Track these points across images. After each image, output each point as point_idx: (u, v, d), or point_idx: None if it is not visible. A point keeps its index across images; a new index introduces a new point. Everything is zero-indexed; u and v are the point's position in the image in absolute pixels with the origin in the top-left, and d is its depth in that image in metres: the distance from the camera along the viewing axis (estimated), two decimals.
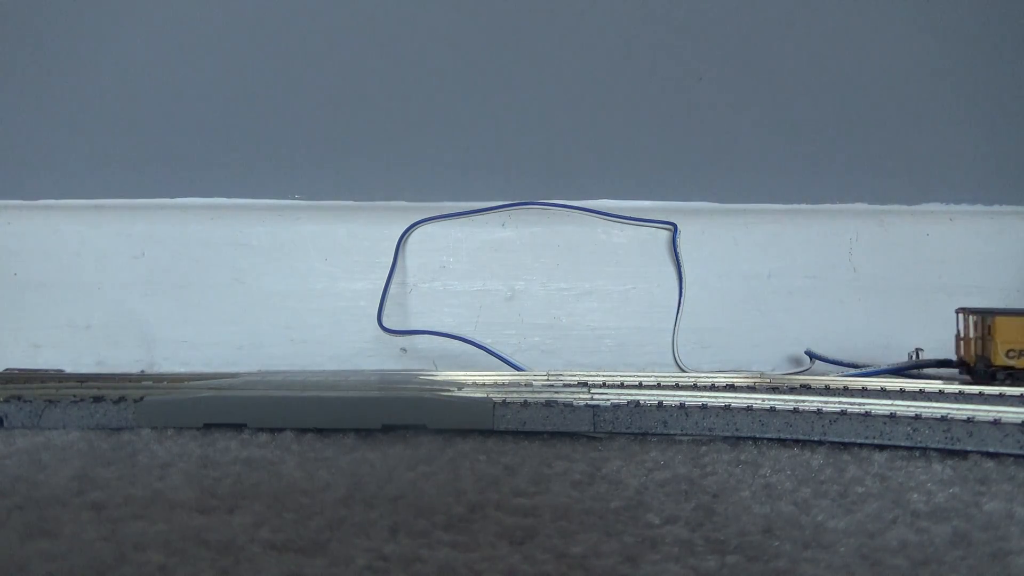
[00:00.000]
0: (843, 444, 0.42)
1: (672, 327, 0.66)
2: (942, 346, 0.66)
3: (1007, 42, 0.67)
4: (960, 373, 0.55)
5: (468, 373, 0.53)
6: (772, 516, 0.32)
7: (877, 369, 0.58)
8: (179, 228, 0.66)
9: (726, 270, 0.67)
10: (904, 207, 0.69)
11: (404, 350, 0.66)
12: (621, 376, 0.51)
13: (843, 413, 0.42)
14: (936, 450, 0.41)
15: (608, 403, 0.44)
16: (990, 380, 0.50)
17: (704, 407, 0.44)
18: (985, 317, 0.51)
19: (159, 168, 0.67)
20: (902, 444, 0.41)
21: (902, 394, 0.49)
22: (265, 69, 0.66)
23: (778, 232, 0.67)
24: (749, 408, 0.43)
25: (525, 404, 0.44)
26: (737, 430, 0.43)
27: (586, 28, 0.66)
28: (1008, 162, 0.69)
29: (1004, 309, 0.51)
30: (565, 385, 0.50)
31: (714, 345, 0.67)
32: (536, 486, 0.35)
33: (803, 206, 0.69)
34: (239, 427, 0.44)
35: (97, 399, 0.45)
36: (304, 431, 0.44)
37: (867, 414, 0.42)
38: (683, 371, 0.64)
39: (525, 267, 0.66)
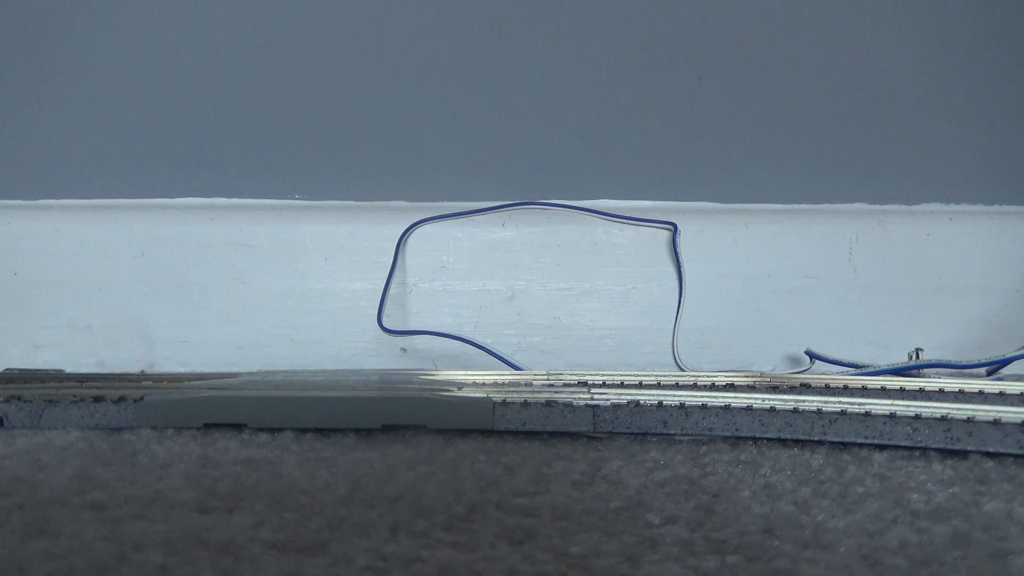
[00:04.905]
0: (843, 444, 0.42)
1: (672, 327, 0.66)
2: (942, 346, 0.67)
3: (1007, 42, 0.67)
4: None
5: (468, 373, 0.53)
6: (772, 516, 0.32)
7: (877, 369, 0.58)
8: (179, 228, 0.66)
9: (726, 270, 0.67)
10: (904, 207, 0.69)
11: (404, 350, 0.66)
12: (621, 376, 0.51)
13: (843, 413, 0.42)
14: (936, 450, 0.41)
15: (608, 403, 0.44)
16: None
17: (704, 407, 0.44)
18: None
19: (159, 168, 0.67)
20: (902, 444, 0.41)
21: (902, 393, 0.49)
22: (265, 69, 0.66)
23: (778, 232, 0.67)
24: (749, 408, 0.43)
25: (525, 404, 0.44)
26: (737, 430, 0.43)
27: (586, 28, 0.66)
28: (1008, 162, 0.69)
29: None
30: (565, 385, 0.50)
31: (714, 345, 0.67)
32: (536, 486, 0.35)
33: (803, 206, 0.69)
34: (239, 427, 0.44)
35: (97, 399, 0.45)
36: (304, 431, 0.44)
37: (867, 414, 0.42)
38: (683, 371, 0.64)
39: (525, 267, 0.66)
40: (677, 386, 0.49)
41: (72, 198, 0.67)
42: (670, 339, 0.66)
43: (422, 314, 0.66)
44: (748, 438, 0.43)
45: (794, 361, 0.66)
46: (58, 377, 0.53)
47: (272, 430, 0.44)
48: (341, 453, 0.40)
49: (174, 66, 0.66)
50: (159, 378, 0.52)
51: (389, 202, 0.68)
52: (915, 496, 0.34)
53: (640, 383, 0.50)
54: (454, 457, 0.40)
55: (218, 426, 0.44)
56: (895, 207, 0.69)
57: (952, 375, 0.56)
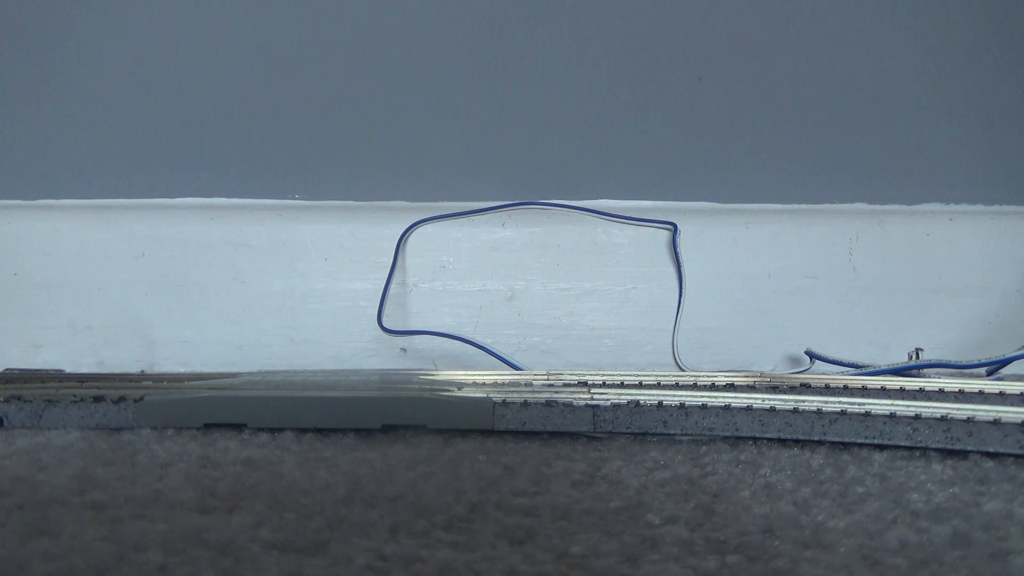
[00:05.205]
0: (843, 444, 0.42)
1: (672, 327, 0.66)
2: (942, 346, 0.67)
3: (1007, 42, 0.67)
4: None
5: (468, 373, 0.53)
6: (772, 516, 0.32)
7: (877, 369, 0.58)
8: (179, 228, 0.66)
9: (726, 270, 0.67)
10: (904, 207, 0.69)
11: (404, 350, 0.66)
12: (621, 376, 0.51)
13: (843, 413, 0.42)
14: (936, 450, 0.41)
15: (608, 403, 0.44)
16: None
17: (704, 407, 0.44)
18: None
19: (159, 168, 0.67)
20: (902, 444, 0.41)
21: (902, 393, 0.49)
22: (265, 69, 0.66)
23: (778, 232, 0.67)
24: (749, 408, 0.43)
25: (525, 404, 0.44)
26: (737, 430, 0.43)
27: (586, 27, 0.66)
28: (1008, 162, 0.69)
29: None
30: (565, 385, 0.50)
31: (714, 345, 0.67)
32: (536, 486, 0.35)
33: (803, 206, 0.69)
34: (239, 427, 0.44)
35: (97, 399, 0.45)
36: (304, 431, 0.44)
37: (867, 414, 0.42)
38: (683, 371, 0.64)
39: (525, 267, 0.66)
40: (677, 386, 0.49)
41: (72, 198, 0.67)
42: (670, 339, 0.66)
43: (422, 314, 0.66)
44: (748, 438, 0.43)
45: (794, 361, 0.66)
46: (58, 377, 0.53)
47: (272, 430, 0.44)
48: (341, 453, 0.40)
49: (174, 66, 0.66)
50: (159, 378, 0.52)
51: (389, 202, 0.68)
52: (915, 496, 0.34)
53: (640, 383, 0.50)
54: (454, 457, 0.40)
55: (218, 426, 0.44)
56: (895, 207, 0.69)
57: (952, 375, 0.56)
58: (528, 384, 0.51)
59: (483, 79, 0.67)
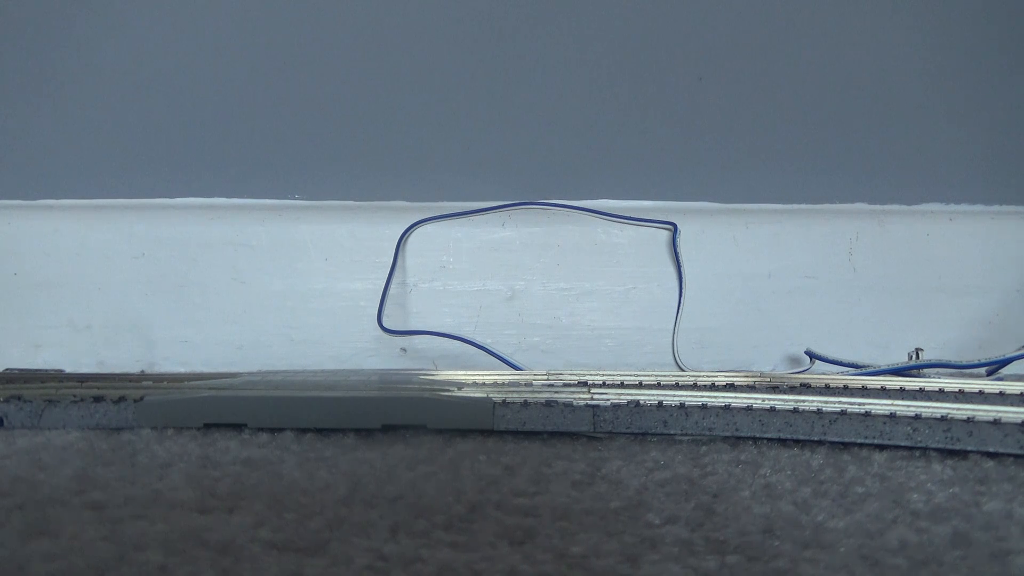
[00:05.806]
0: (843, 444, 0.42)
1: (672, 327, 0.66)
2: (942, 346, 0.67)
3: (1007, 42, 0.67)
4: None
5: (468, 373, 0.53)
6: (772, 516, 0.32)
7: (877, 369, 0.58)
8: (179, 228, 0.66)
9: (726, 270, 0.67)
10: (904, 207, 0.69)
11: (404, 350, 0.66)
12: (621, 376, 0.51)
13: (843, 413, 0.42)
14: (936, 450, 0.41)
15: (608, 403, 0.44)
16: None
17: (704, 407, 0.44)
18: None
19: (159, 168, 0.67)
20: (902, 444, 0.41)
21: (902, 393, 0.49)
22: (265, 69, 0.66)
23: (778, 232, 0.67)
24: (749, 408, 0.43)
25: (525, 404, 0.44)
26: (737, 430, 0.43)
27: (586, 27, 0.66)
28: (1008, 162, 0.69)
29: None
30: (565, 385, 0.50)
31: (714, 345, 0.67)
32: (536, 486, 0.35)
33: (803, 206, 0.69)
34: (239, 427, 0.44)
35: (97, 399, 0.45)
36: (304, 431, 0.44)
37: (867, 414, 0.42)
38: (683, 371, 0.64)
39: (525, 267, 0.66)
40: (677, 386, 0.49)
41: (72, 198, 0.67)
42: (670, 339, 0.66)
43: (422, 314, 0.66)
44: (748, 438, 0.43)
45: (794, 361, 0.66)
46: (58, 377, 0.53)
47: (272, 430, 0.44)
48: (341, 453, 0.40)
49: (174, 66, 0.66)
50: (159, 378, 0.52)
51: (389, 202, 0.68)
52: (915, 496, 0.34)
53: (640, 383, 0.50)
54: (454, 457, 0.40)
55: (218, 426, 0.44)
56: (895, 207, 0.69)
57: (952, 375, 0.56)
58: (528, 384, 0.51)
59: (483, 79, 0.67)
